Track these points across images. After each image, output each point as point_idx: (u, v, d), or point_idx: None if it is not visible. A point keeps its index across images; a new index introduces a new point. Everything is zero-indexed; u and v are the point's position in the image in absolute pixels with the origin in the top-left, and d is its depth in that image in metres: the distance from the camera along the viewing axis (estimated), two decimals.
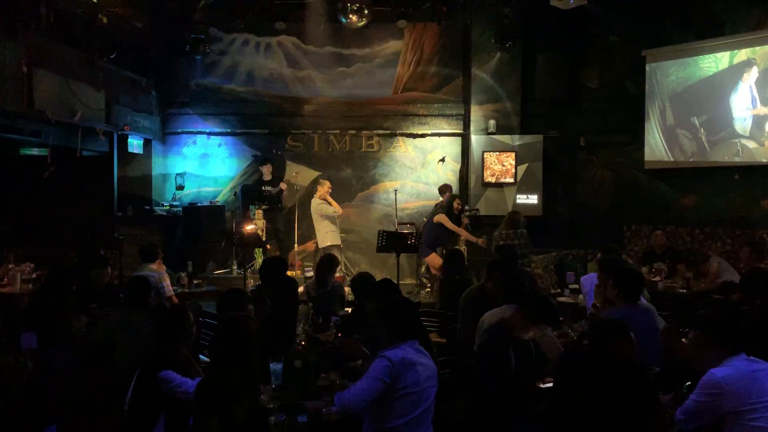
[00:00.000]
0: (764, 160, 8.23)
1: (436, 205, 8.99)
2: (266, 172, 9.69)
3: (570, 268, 7.95)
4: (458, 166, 10.55)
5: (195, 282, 7.73)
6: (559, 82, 9.96)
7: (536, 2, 9.26)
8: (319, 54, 10.48)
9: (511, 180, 10.08)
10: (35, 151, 8.78)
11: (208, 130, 10.53)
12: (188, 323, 3.54)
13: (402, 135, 10.59)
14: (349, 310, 5.55)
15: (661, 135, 9.25)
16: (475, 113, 10.28)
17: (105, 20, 8.66)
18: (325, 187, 9.02)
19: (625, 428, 2.93)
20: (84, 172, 8.86)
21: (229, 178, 10.60)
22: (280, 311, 4.58)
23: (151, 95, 10.17)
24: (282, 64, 10.53)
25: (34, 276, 6.85)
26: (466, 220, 8.90)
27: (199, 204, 9.91)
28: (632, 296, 4.33)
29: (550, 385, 3.74)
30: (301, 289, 5.98)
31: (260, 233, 8.95)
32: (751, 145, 8.33)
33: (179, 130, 10.55)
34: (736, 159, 8.48)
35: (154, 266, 6.35)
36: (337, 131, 10.55)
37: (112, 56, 8.84)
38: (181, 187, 10.45)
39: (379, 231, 8.21)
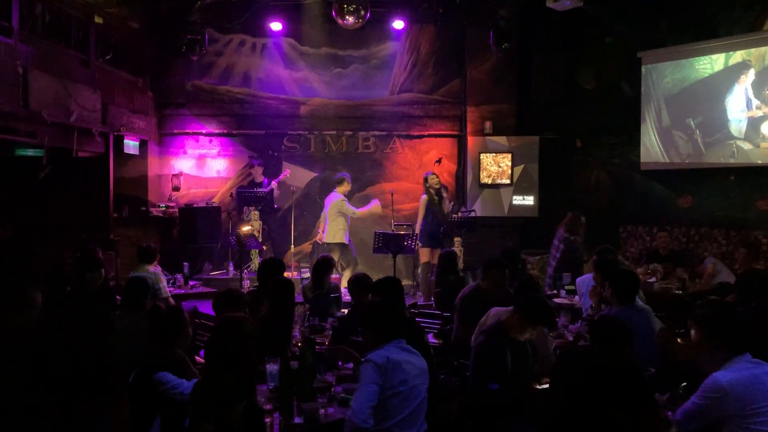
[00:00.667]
0: (759, 162, 8.25)
1: None
2: (256, 173, 9.72)
3: (566, 270, 7.95)
4: (454, 167, 10.55)
5: (191, 283, 7.72)
6: (555, 84, 9.94)
7: (532, 4, 9.29)
8: (315, 55, 10.47)
9: (508, 181, 10.09)
10: (30, 152, 8.71)
11: (204, 131, 10.52)
12: (184, 324, 3.54)
13: (398, 136, 10.58)
14: (346, 311, 5.55)
15: (656, 136, 9.26)
16: (472, 114, 10.28)
17: (101, 21, 8.65)
18: (348, 186, 8.97)
19: (623, 429, 2.92)
20: (80, 173, 8.80)
21: (226, 179, 10.59)
22: (278, 312, 4.57)
23: (147, 96, 10.14)
24: (278, 65, 10.51)
25: None
26: (447, 204, 8.73)
27: (195, 205, 9.88)
28: (628, 297, 4.35)
29: (547, 386, 3.76)
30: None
31: (256, 234, 8.94)
32: (746, 146, 8.35)
33: (175, 131, 10.52)
34: (732, 160, 8.50)
35: (150, 267, 6.34)
36: (334, 132, 10.53)
37: (107, 57, 8.82)
38: (177, 189, 10.43)
39: (375, 232, 8.21)
